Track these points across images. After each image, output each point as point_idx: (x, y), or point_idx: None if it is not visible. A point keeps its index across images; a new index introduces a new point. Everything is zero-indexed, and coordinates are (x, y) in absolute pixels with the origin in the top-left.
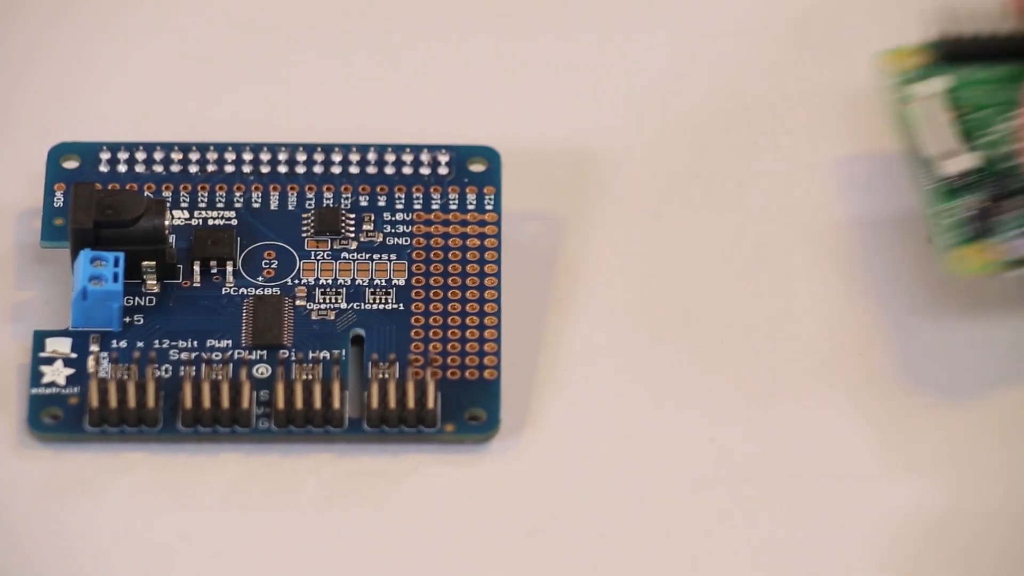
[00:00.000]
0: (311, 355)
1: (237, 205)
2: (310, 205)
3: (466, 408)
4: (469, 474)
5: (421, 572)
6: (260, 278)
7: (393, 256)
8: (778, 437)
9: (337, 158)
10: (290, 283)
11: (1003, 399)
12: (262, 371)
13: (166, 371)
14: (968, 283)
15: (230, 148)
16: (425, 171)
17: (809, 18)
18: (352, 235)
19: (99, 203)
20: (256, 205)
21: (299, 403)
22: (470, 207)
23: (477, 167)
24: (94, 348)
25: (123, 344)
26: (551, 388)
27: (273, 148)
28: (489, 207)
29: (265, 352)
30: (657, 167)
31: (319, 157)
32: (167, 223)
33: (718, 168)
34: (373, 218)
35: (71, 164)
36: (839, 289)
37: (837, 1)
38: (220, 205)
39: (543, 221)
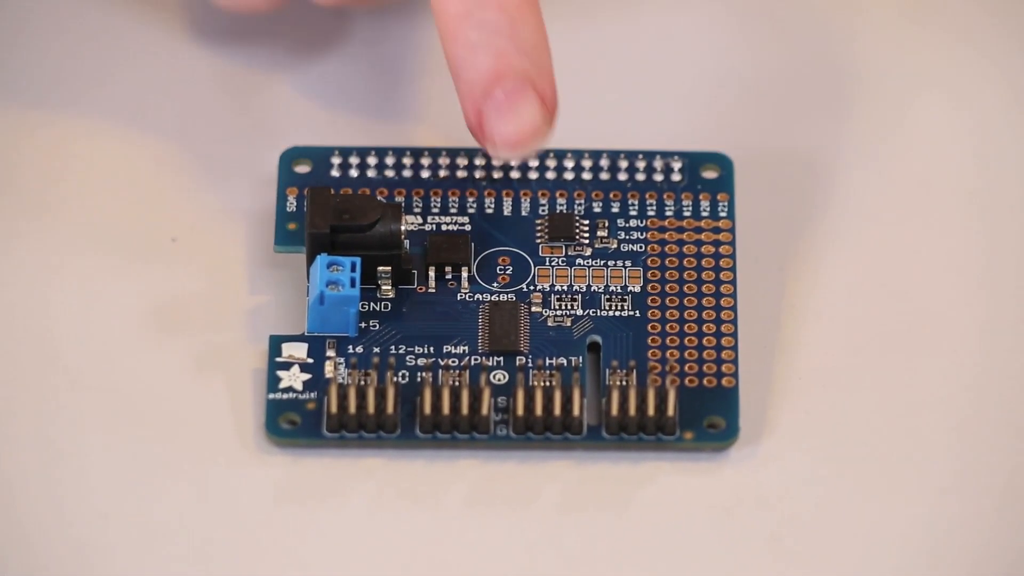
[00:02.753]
0: (548, 362)
1: (470, 211)
2: (543, 211)
3: (705, 416)
4: (708, 482)
5: None
6: (495, 284)
7: (628, 263)
8: (1020, 448)
9: (569, 164)
10: (525, 289)
11: None
12: (499, 377)
13: (403, 376)
14: None
15: (462, 153)
16: (658, 177)
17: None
18: (586, 241)
19: (335, 208)
20: (489, 211)
21: (539, 410)
22: (704, 214)
23: (710, 174)
24: (331, 353)
25: (359, 349)
26: (788, 396)
27: None
28: (723, 214)
29: (502, 358)
30: (889, 174)
31: (551, 163)
32: (403, 228)
33: (948, 177)
34: (607, 224)
35: (303, 168)
36: None
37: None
38: (453, 211)
39: (775, 228)
